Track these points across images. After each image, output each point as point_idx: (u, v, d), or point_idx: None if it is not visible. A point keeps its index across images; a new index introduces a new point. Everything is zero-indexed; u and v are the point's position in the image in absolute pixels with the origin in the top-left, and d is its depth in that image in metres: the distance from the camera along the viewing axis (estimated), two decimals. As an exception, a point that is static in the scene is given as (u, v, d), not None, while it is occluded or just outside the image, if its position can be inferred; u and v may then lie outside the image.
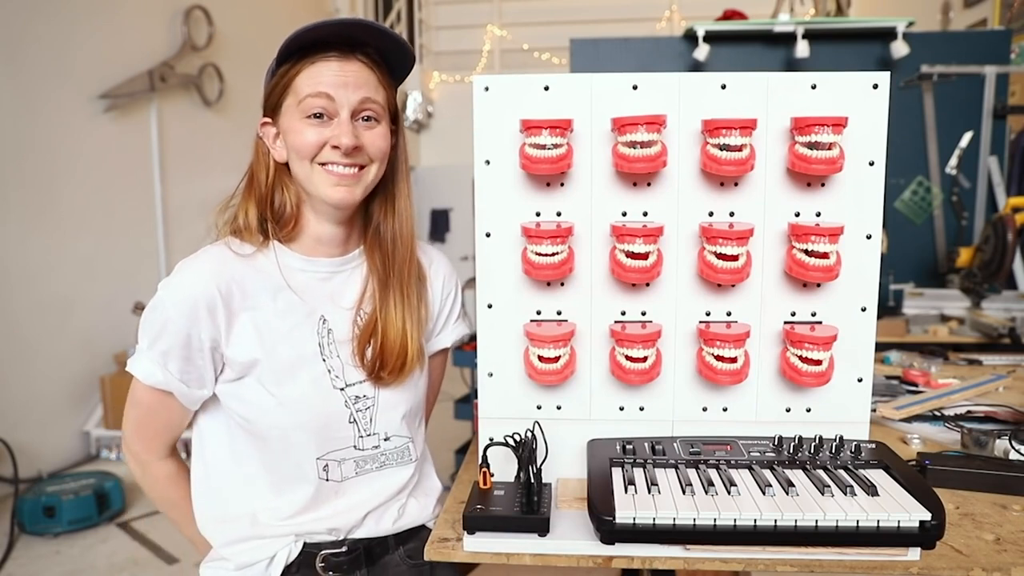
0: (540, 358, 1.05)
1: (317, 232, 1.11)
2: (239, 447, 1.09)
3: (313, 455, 1.08)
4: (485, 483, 1.02)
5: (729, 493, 0.92)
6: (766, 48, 3.28)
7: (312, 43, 1.03)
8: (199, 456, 1.13)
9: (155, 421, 1.09)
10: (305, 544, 1.10)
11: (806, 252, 1.02)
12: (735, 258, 1.02)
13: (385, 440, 1.15)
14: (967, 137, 2.92)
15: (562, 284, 1.09)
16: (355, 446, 1.11)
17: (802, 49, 3.11)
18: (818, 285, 1.07)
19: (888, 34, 3.11)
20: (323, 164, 1.05)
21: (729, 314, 1.08)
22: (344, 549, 1.12)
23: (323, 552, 1.11)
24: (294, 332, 1.06)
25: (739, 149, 1.00)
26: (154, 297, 1.03)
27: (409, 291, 1.15)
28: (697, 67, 3.22)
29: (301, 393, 1.06)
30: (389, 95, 1.10)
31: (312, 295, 1.09)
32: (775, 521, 0.87)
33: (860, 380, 1.09)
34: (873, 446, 1.04)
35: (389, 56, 1.09)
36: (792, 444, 1.03)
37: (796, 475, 0.98)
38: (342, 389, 1.10)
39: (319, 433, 1.08)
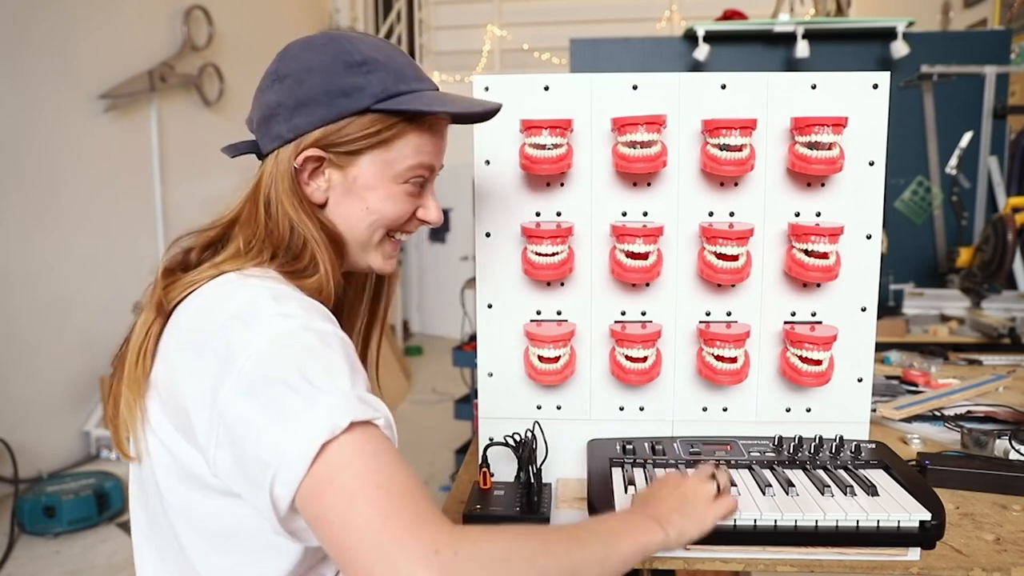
0: (540, 358, 1.05)
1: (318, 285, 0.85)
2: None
3: None
4: (485, 483, 1.02)
5: (729, 493, 0.92)
6: (766, 48, 3.27)
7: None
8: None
9: (416, 481, 0.65)
10: None
11: (806, 252, 1.02)
12: (735, 258, 1.02)
13: None
14: (967, 137, 2.91)
15: (562, 284, 1.09)
16: None
17: (802, 49, 3.11)
18: (818, 285, 1.07)
19: (888, 34, 3.11)
20: (391, 234, 0.90)
21: (729, 314, 1.08)
22: None
23: None
24: None
25: (739, 149, 1.00)
26: (293, 337, 0.69)
27: None
28: (697, 67, 3.21)
29: None
30: None
31: None
32: (775, 521, 0.87)
33: (860, 380, 1.09)
34: (873, 446, 1.04)
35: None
36: (792, 444, 1.03)
37: (796, 475, 0.98)
38: None
39: None
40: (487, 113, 0.90)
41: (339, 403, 0.64)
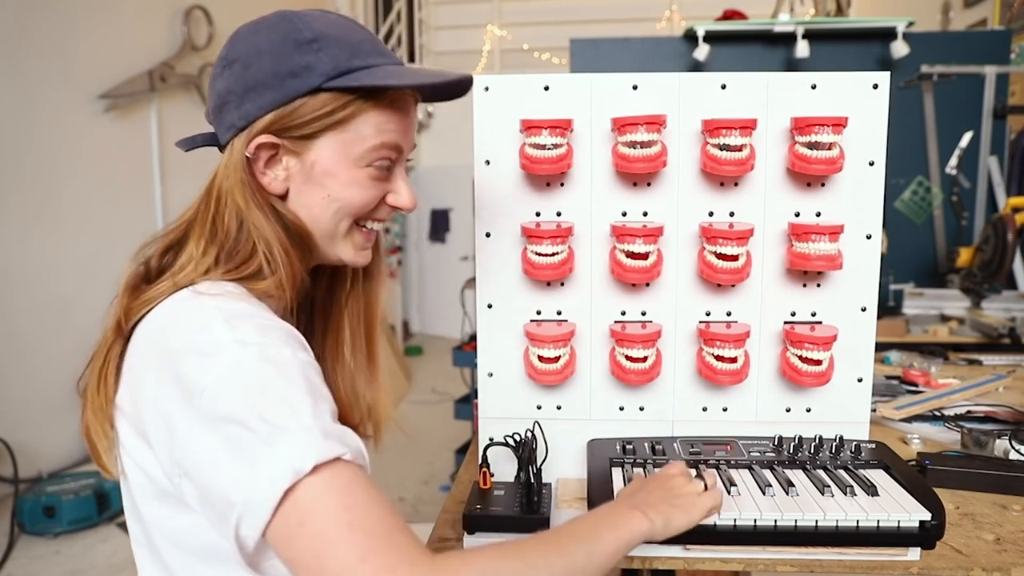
0: (540, 358, 1.05)
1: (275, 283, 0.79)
2: None
3: None
4: (485, 483, 1.02)
5: (729, 493, 0.92)
6: (766, 48, 3.27)
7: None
8: None
9: (391, 512, 0.64)
10: None
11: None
12: (735, 258, 1.02)
13: None
14: (967, 137, 2.91)
15: (562, 284, 1.09)
16: None
17: (802, 49, 3.11)
18: (818, 285, 1.07)
19: (888, 34, 3.11)
20: (360, 223, 0.84)
21: (729, 314, 1.08)
22: None
23: None
24: None
25: (739, 149, 1.00)
26: (248, 370, 0.65)
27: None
28: (697, 67, 3.21)
29: None
30: None
31: None
32: (775, 521, 0.87)
33: (860, 380, 1.09)
34: (873, 446, 1.04)
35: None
36: (792, 444, 1.03)
37: (796, 475, 0.98)
38: None
39: None
40: (455, 85, 0.81)
41: (302, 443, 0.61)
